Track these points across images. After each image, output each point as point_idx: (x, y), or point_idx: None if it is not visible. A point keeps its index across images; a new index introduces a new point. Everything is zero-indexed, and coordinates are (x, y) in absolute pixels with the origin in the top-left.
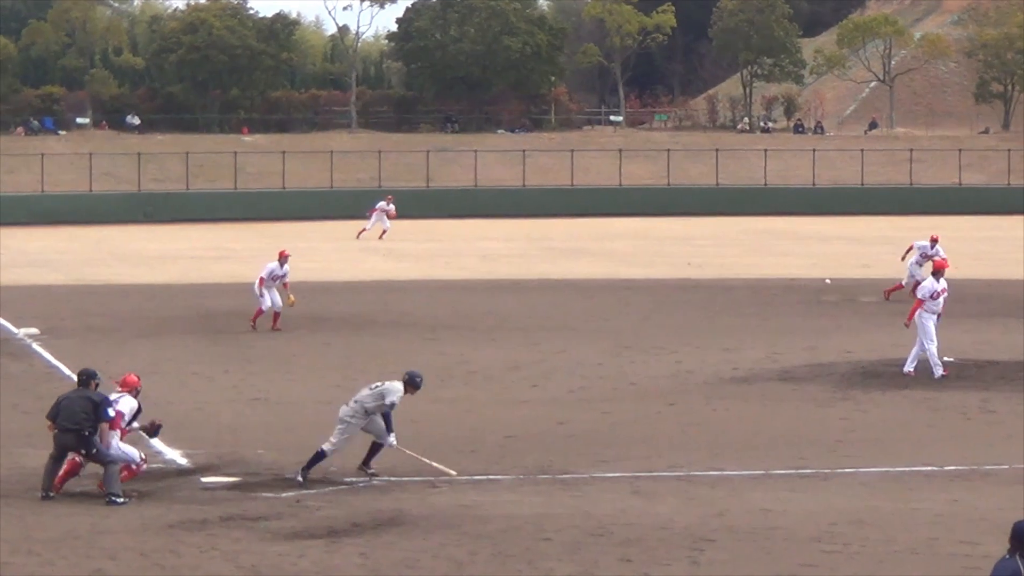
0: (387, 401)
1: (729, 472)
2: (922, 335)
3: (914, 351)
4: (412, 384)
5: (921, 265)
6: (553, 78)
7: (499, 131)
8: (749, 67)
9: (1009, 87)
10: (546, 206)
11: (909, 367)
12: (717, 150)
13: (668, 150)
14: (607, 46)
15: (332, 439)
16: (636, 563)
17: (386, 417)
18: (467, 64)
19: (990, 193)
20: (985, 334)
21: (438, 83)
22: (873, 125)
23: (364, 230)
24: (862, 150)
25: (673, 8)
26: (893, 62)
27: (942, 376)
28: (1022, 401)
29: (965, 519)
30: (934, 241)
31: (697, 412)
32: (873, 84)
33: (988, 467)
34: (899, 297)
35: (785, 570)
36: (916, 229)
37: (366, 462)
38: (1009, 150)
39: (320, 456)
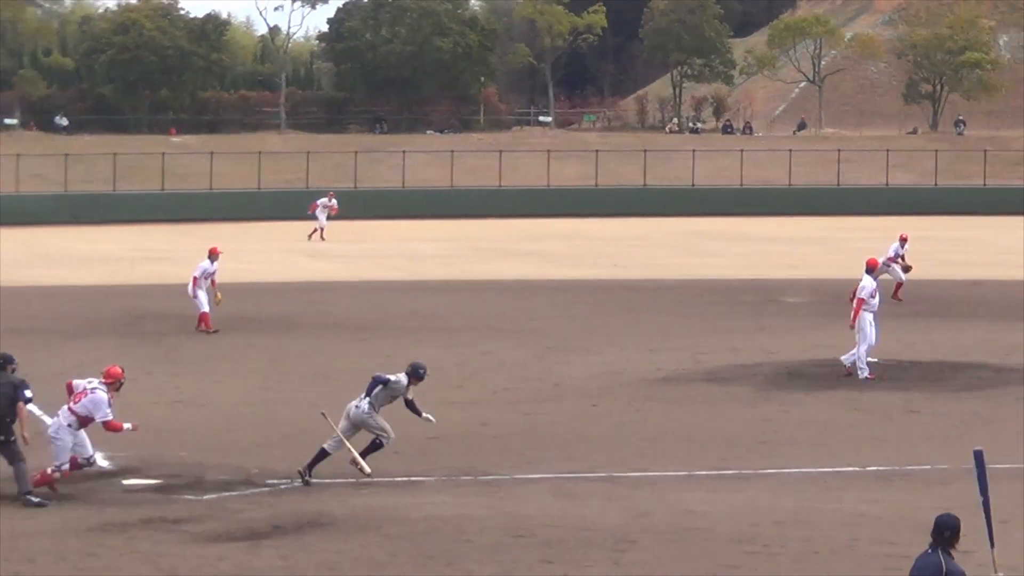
0: (395, 392)
1: (652, 473)
2: (862, 333)
3: (863, 351)
4: (415, 375)
5: (891, 266)
6: (483, 79)
7: (428, 132)
8: (679, 67)
9: (938, 87)
10: (475, 207)
11: (848, 361)
12: (646, 151)
13: (597, 151)
14: (538, 46)
15: (381, 430)
16: (557, 564)
17: (410, 406)
18: (397, 65)
19: (918, 193)
20: (909, 335)
21: (368, 84)
22: (802, 125)
23: (319, 229)
24: (791, 150)
25: (604, 8)
26: (823, 62)
27: (866, 379)
28: (945, 402)
29: (886, 519)
30: (903, 240)
31: (621, 413)
32: (803, 84)
33: (910, 467)
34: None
35: (706, 570)
36: (844, 230)
37: (364, 454)
38: (937, 151)
39: (378, 446)
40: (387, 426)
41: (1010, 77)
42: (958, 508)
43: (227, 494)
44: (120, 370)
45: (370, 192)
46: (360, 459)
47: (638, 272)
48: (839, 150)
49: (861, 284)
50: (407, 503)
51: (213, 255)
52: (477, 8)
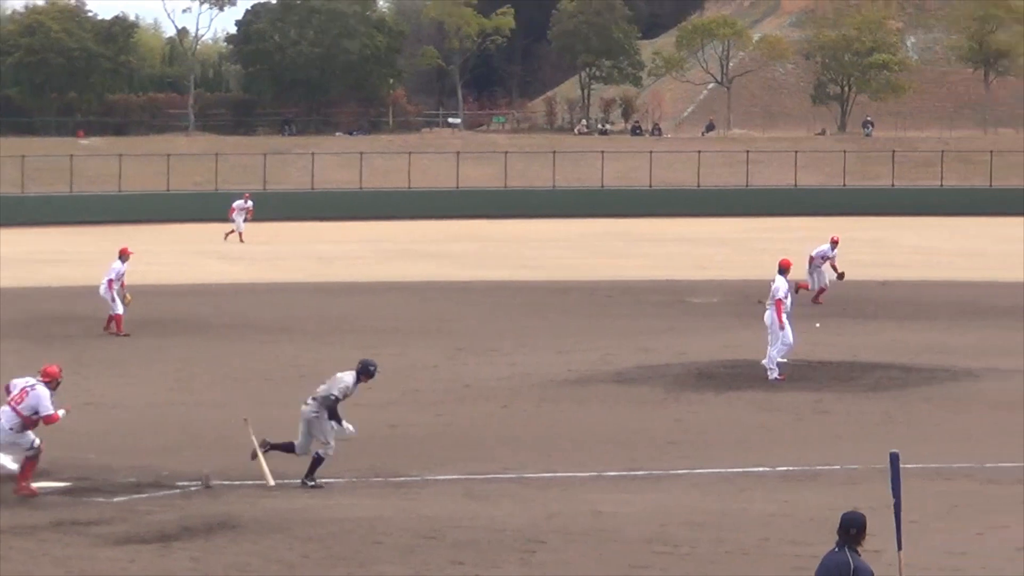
0: (330, 392)
1: (562, 473)
2: (774, 335)
3: (780, 351)
4: (365, 372)
5: (819, 268)
6: (392, 80)
7: (337, 133)
8: (588, 69)
9: (846, 88)
10: (383, 208)
11: (769, 370)
12: (555, 152)
13: (506, 152)
14: (446, 48)
15: (323, 439)
16: (468, 565)
17: (330, 411)
18: (306, 67)
19: (826, 194)
20: (819, 335)
21: (276, 86)
22: (710, 127)
23: (238, 232)
24: (699, 152)
25: (512, 10)
26: (731, 64)
27: (776, 379)
28: (854, 402)
29: (796, 519)
30: (835, 243)
31: (531, 414)
32: (711, 86)
33: (819, 468)
34: (828, 300)
35: (616, 571)
36: (752, 231)
37: (310, 470)
38: (845, 151)
39: (319, 460)
40: (332, 438)
41: (917, 78)
42: (868, 508)
43: (137, 496)
44: (57, 369)
45: (279, 194)
46: (267, 470)
47: (548, 273)
48: (747, 151)
49: (775, 286)
50: (318, 504)
51: (124, 255)
52: (385, 10)
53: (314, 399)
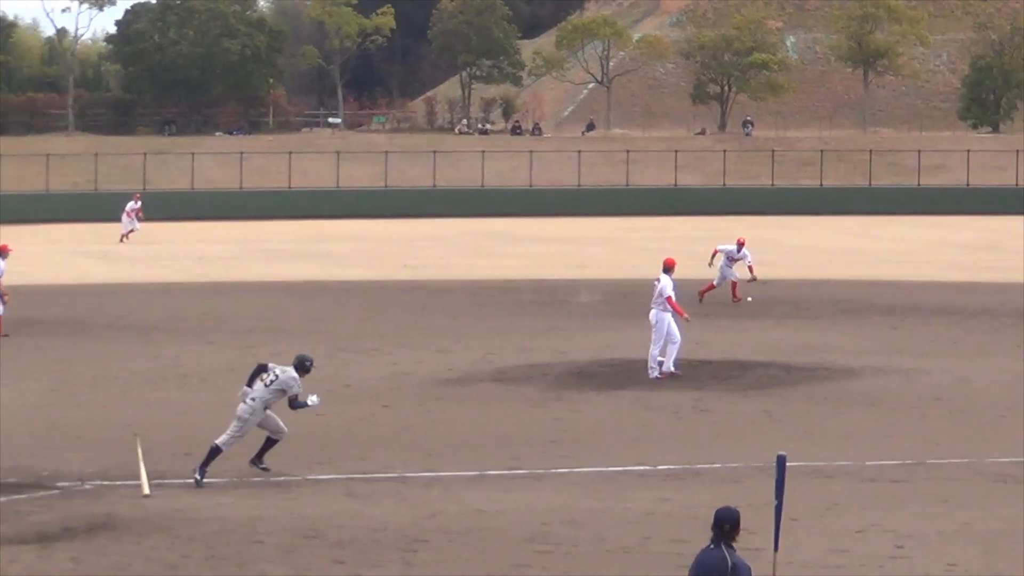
0: (290, 394)
1: (443, 473)
2: (658, 333)
3: (671, 350)
4: (302, 368)
5: (730, 267)
6: (272, 80)
7: (217, 133)
8: (468, 69)
9: (725, 88)
10: (264, 208)
11: (669, 367)
12: (435, 152)
13: (386, 152)
14: (326, 48)
15: (227, 433)
16: (349, 564)
17: (294, 404)
18: (186, 66)
19: (706, 194)
20: (699, 333)
21: (157, 85)
22: (591, 126)
23: (125, 233)
24: (579, 151)
25: (393, 10)
26: (611, 64)
27: (656, 378)
28: (734, 400)
29: (677, 518)
30: (740, 244)
31: (412, 413)
32: (591, 86)
33: (700, 466)
34: (714, 298)
35: (497, 570)
36: (632, 230)
37: (259, 456)
38: (725, 151)
39: (216, 452)
40: (231, 437)
41: (797, 78)
42: (749, 506)
43: (17, 497)
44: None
45: (159, 194)
46: (146, 478)
47: (428, 273)
48: (628, 151)
49: (661, 285)
50: (199, 504)
51: (3, 252)
52: (265, 10)
53: (253, 399)
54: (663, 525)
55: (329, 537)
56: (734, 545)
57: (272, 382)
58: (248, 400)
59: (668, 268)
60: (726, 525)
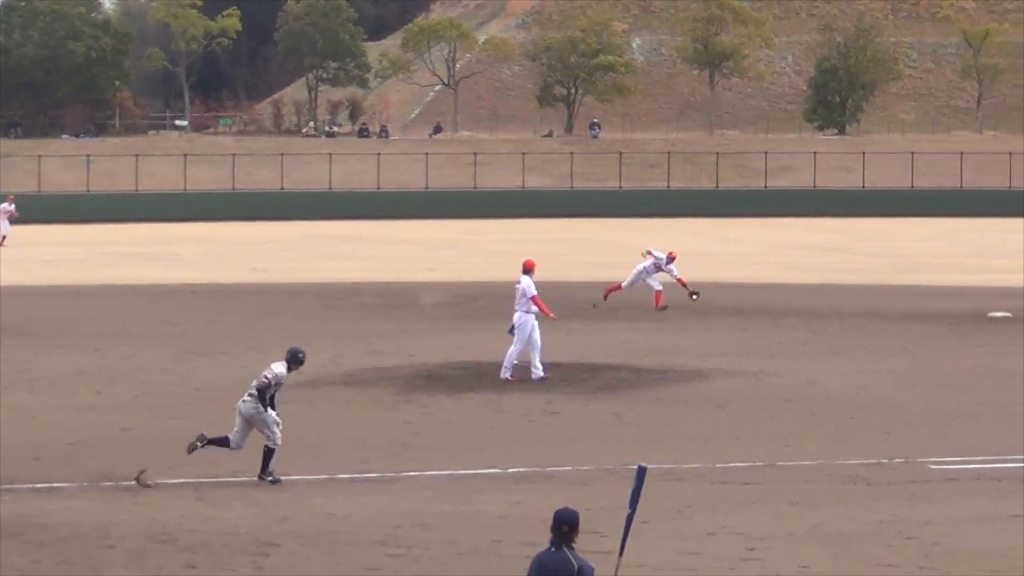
0: (263, 378)
1: (294, 476)
2: (521, 335)
3: (534, 356)
4: (294, 360)
5: (651, 274)
6: (118, 82)
7: (63, 136)
8: (314, 71)
9: (572, 90)
10: (111, 211)
11: (538, 373)
12: (282, 155)
13: (233, 155)
14: (172, 50)
15: (267, 432)
16: (200, 568)
17: (260, 394)
18: (31, 68)
19: (553, 196)
20: (549, 336)
21: (1, 88)
22: (438, 129)
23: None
24: (427, 154)
25: (238, 12)
26: (458, 66)
27: (507, 380)
28: (585, 403)
29: (528, 520)
30: (671, 258)
31: None
32: (438, 88)
33: (551, 469)
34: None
35: (349, 573)
36: (480, 232)
37: (263, 470)
38: (572, 153)
39: (270, 453)
40: (276, 428)
41: (643, 80)
42: (600, 508)
43: None
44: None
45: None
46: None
47: (277, 276)
48: (475, 153)
49: (522, 286)
50: (49, 509)
51: None
52: (111, 12)
53: (251, 395)
54: (514, 528)
55: (180, 541)
56: (574, 546)
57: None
58: (247, 396)
59: (528, 269)
60: (564, 526)
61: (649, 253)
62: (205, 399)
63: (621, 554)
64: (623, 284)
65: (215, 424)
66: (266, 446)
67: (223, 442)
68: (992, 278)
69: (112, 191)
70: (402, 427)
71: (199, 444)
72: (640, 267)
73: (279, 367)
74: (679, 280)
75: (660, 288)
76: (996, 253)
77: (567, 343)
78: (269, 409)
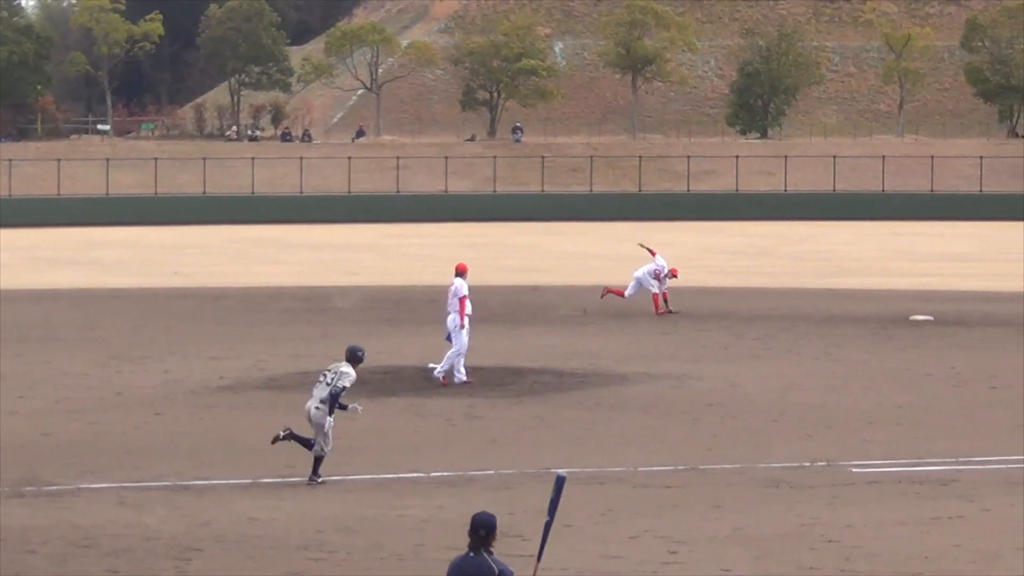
0: (339, 384)
1: (216, 481)
2: (459, 338)
3: (458, 361)
4: (354, 358)
5: (650, 281)
6: (40, 87)
7: None
8: (237, 75)
9: (495, 95)
10: (31, 216)
11: (461, 377)
12: (205, 159)
13: (156, 159)
14: (94, 54)
15: (318, 443)
16: (123, 573)
17: (335, 399)
18: None
19: (476, 200)
20: (472, 340)
21: None
22: (360, 133)
23: None
24: (349, 158)
25: (161, 16)
26: (380, 70)
27: (465, 383)
28: (507, 407)
29: (451, 524)
30: (673, 274)
31: (184, 421)
32: (360, 92)
33: (474, 473)
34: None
35: None
36: (402, 236)
37: (314, 472)
38: (495, 157)
39: (319, 459)
40: (330, 438)
41: (566, 84)
42: (523, 512)
43: None
44: None
45: None
46: None
47: (199, 280)
48: (398, 157)
49: (454, 288)
50: None
51: None
52: (32, 16)
53: (323, 401)
54: (437, 532)
55: (103, 546)
56: (492, 550)
57: (333, 379)
58: (320, 404)
59: (460, 273)
60: (482, 531)
61: (653, 254)
62: (127, 404)
63: (539, 560)
64: (626, 293)
65: (131, 428)
66: (315, 453)
67: (307, 444)
68: (913, 281)
69: (34, 196)
70: None
71: (284, 435)
72: (641, 272)
73: (349, 370)
74: (662, 294)
75: (658, 292)
76: (918, 257)
77: (490, 347)
78: (333, 414)
